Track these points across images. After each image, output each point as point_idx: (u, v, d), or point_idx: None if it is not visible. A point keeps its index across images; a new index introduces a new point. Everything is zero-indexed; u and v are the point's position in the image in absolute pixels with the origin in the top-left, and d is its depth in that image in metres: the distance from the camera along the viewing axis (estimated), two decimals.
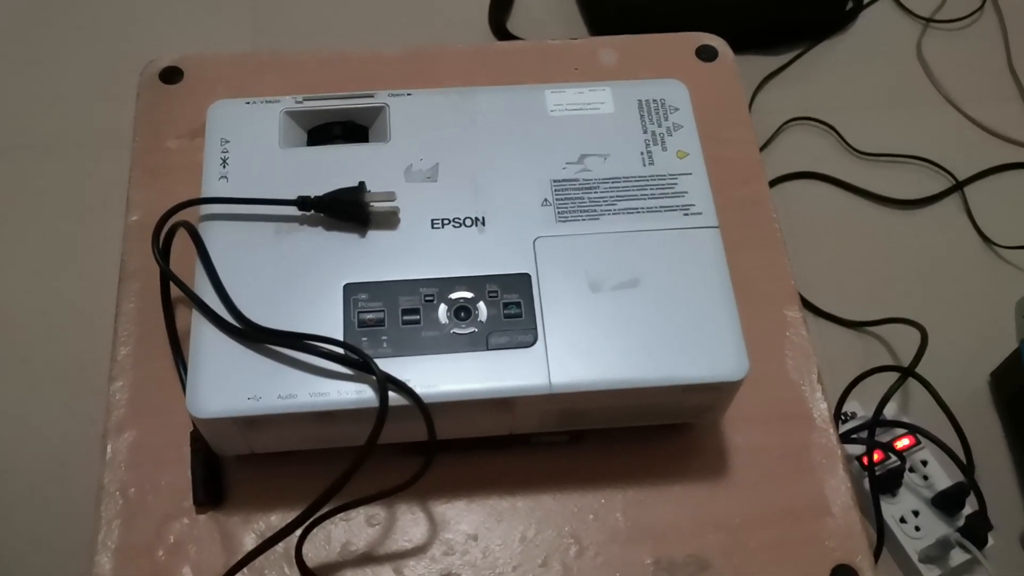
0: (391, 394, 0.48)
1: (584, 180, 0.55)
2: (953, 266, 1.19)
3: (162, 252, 0.54)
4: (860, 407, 1.03)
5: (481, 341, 0.50)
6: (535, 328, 0.51)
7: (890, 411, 1.01)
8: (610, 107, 0.58)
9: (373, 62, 0.69)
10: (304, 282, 0.51)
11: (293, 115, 0.58)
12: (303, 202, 0.53)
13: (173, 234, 0.54)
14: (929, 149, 1.27)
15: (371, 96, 0.58)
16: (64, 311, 0.95)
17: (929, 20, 1.39)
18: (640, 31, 1.09)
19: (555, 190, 0.55)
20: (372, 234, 0.53)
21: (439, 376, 0.49)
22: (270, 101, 0.58)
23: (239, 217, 0.53)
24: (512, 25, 1.28)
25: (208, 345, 0.50)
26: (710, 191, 0.56)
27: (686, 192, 0.55)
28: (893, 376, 1.02)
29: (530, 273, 0.52)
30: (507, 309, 0.51)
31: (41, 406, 0.90)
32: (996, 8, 1.40)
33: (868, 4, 1.40)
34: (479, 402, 0.49)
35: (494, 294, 0.52)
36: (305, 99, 0.58)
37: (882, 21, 1.39)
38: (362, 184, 0.53)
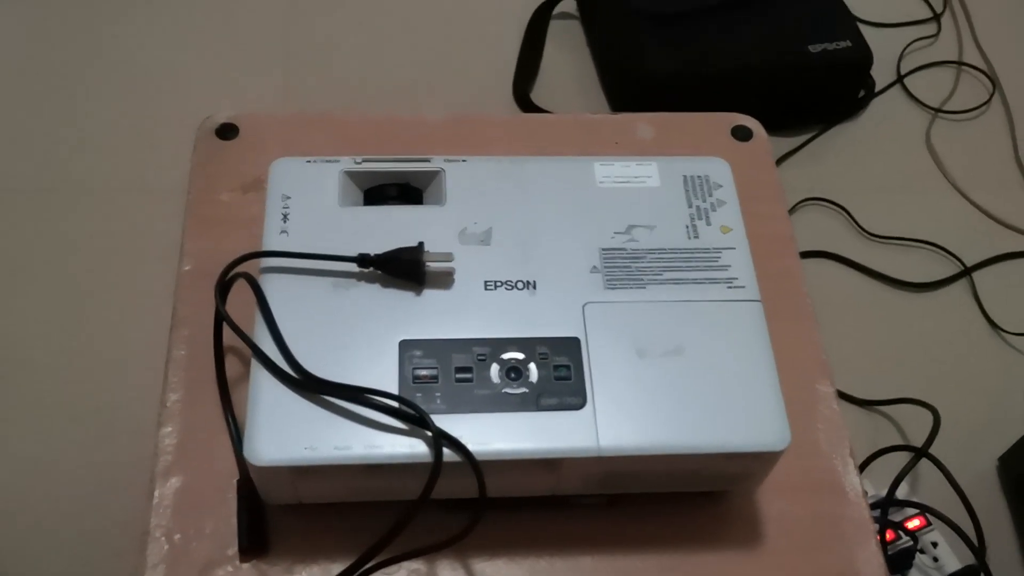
0: (444, 450, 0.49)
1: (632, 250, 0.57)
2: (962, 349, 1.21)
3: (222, 296, 0.55)
4: (871, 486, 1.04)
5: (532, 402, 0.52)
6: (584, 391, 0.52)
7: (901, 491, 1.02)
8: (656, 181, 0.61)
9: (418, 126, 0.72)
10: (360, 337, 0.53)
11: (352, 175, 0.60)
12: (363, 259, 0.55)
13: (230, 285, 0.56)
14: (938, 234, 1.30)
15: (427, 160, 0.60)
16: (87, 354, 0.96)
17: (938, 110, 1.43)
18: (661, 107, 1.12)
19: (604, 258, 0.57)
20: (427, 293, 0.55)
21: (490, 434, 0.50)
22: (330, 161, 0.60)
23: (298, 271, 0.55)
24: (536, 95, 1.32)
25: (266, 394, 0.51)
26: (752, 266, 0.58)
27: (729, 266, 0.57)
28: (902, 455, 1.03)
29: (579, 337, 0.54)
30: (557, 371, 0.53)
31: (62, 448, 0.91)
32: (1003, 101, 1.45)
33: (880, 92, 1.44)
34: (528, 462, 0.51)
35: (544, 356, 0.53)
36: (364, 160, 0.60)
37: (893, 109, 1.43)
38: (421, 244, 0.55)
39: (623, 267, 0.57)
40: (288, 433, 0.50)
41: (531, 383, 0.52)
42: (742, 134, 0.73)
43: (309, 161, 0.60)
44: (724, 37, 1.30)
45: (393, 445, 0.50)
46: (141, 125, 1.00)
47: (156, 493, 0.55)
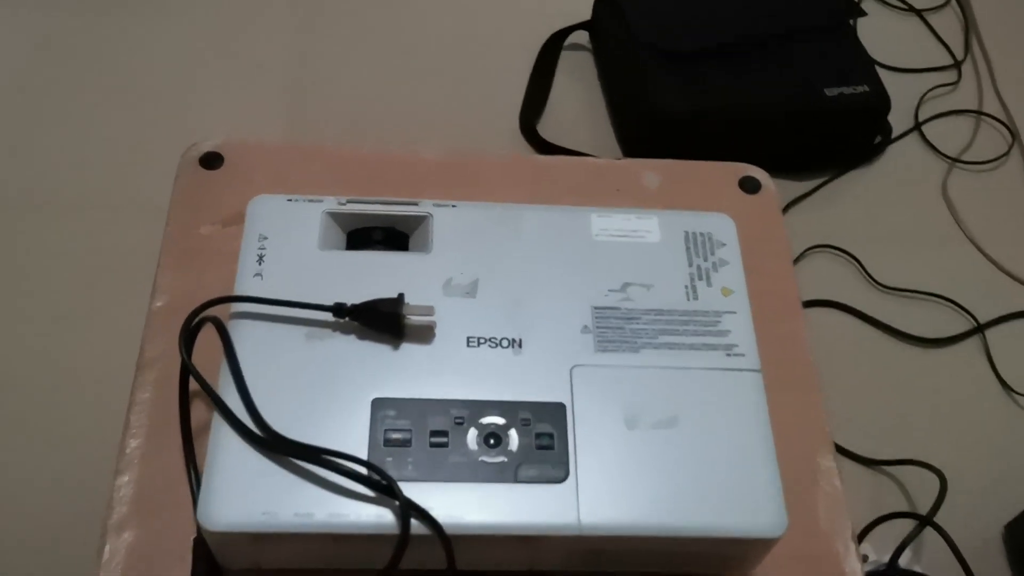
0: (412, 521, 0.46)
1: (626, 310, 0.54)
2: (971, 409, 1.17)
3: (186, 346, 0.52)
4: (873, 551, 1.00)
5: (510, 472, 0.48)
6: (567, 462, 0.49)
7: (903, 558, 0.98)
8: (656, 236, 0.57)
9: (413, 164, 0.69)
10: (332, 393, 0.50)
11: (335, 216, 0.56)
12: (338, 309, 0.51)
13: (200, 328, 0.53)
14: (951, 288, 1.26)
15: (415, 204, 0.57)
16: (64, 376, 0.93)
17: (956, 160, 1.40)
18: (671, 147, 1.08)
19: (596, 317, 0.54)
20: (406, 347, 0.52)
21: (464, 506, 0.47)
22: (313, 200, 0.57)
23: (271, 318, 0.52)
24: (543, 128, 1.29)
25: (226, 452, 0.47)
26: (753, 332, 0.54)
27: (729, 331, 0.54)
28: (906, 520, 0.99)
29: (565, 403, 0.50)
30: (539, 440, 0.49)
31: (34, 473, 0.87)
32: (1023, 153, 1.41)
33: (896, 139, 1.41)
34: (504, 537, 0.47)
35: (527, 422, 0.50)
36: (349, 201, 0.57)
37: (909, 157, 1.40)
38: (401, 296, 0.52)
39: (616, 328, 0.53)
40: (247, 496, 0.46)
41: (511, 451, 0.49)
42: (750, 186, 0.70)
43: (290, 200, 0.57)
44: (738, 78, 1.27)
45: (358, 514, 0.46)
46: (136, 144, 0.98)
47: (107, 548, 0.52)
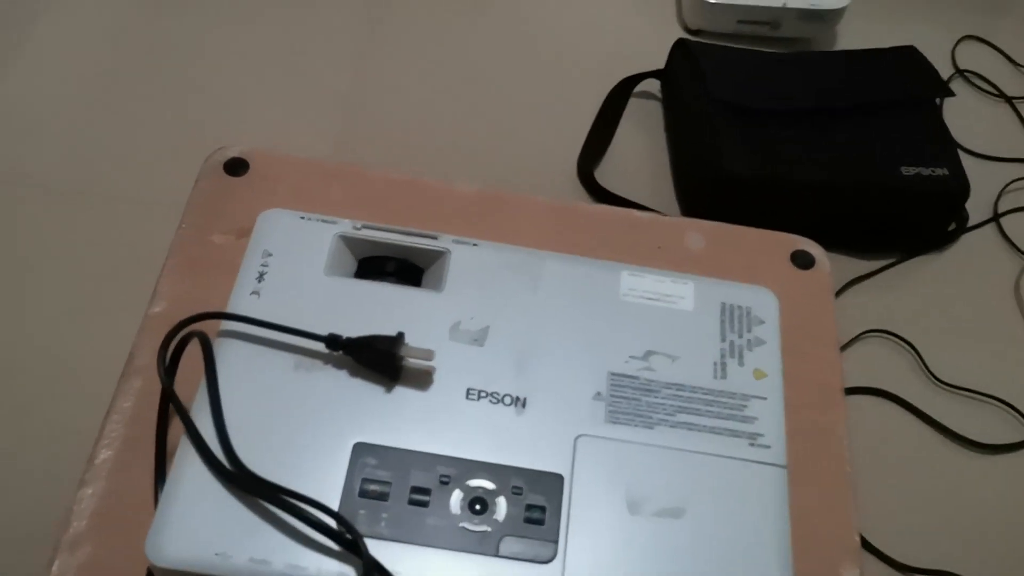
0: None
1: (646, 380, 0.49)
2: (1019, 524, 1.09)
3: (171, 358, 0.49)
4: None
5: (491, 544, 0.43)
6: (556, 541, 0.44)
7: None
8: (690, 304, 0.53)
9: (445, 196, 0.65)
10: (312, 430, 0.46)
11: (347, 240, 0.53)
12: (332, 340, 0.48)
13: (186, 342, 0.49)
14: (1013, 394, 1.18)
15: (434, 238, 0.53)
16: (65, 371, 0.90)
17: None
18: (731, 209, 1.03)
19: (611, 384, 0.49)
20: (400, 391, 0.47)
21: (434, 575, 0.42)
22: (327, 221, 0.53)
23: (260, 340, 0.48)
24: (601, 174, 1.25)
25: (187, 480, 0.44)
26: (783, 423, 0.49)
27: (756, 418, 0.49)
28: None
29: (563, 474, 0.46)
30: (529, 512, 0.45)
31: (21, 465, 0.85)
32: None
33: (972, 228, 1.34)
34: None
35: (518, 491, 0.45)
36: (364, 226, 0.53)
37: (983, 249, 1.33)
38: (400, 335, 0.48)
39: (631, 399, 0.49)
40: (201, 532, 0.42)
41: (496, 521, 0.44)
42: (802, 260, 0.65)
43: (303, 217, 0.53)
44: (810, 144, 1.21)
45: (319, 568, 0.42)
46: (180, 145, 0.97)
47: (56, 565, 0.48)
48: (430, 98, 1.03)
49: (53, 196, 0.94)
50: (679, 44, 1.08)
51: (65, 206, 0.95)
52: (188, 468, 0.44)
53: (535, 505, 0.45)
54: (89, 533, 0.49)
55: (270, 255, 0.51)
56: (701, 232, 0.65)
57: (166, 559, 0.42)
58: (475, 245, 0.53)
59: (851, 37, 1.13)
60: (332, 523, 0.42)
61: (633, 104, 1.27)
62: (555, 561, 0.43)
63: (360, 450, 0.45)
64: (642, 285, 0.53)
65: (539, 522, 0.44)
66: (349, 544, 0.42)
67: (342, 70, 1.03)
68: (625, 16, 1.07)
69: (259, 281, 0.50)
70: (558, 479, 0.45)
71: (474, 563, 0.43)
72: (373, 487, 0.44)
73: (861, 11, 1.09)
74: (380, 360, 0.47)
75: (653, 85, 1.36)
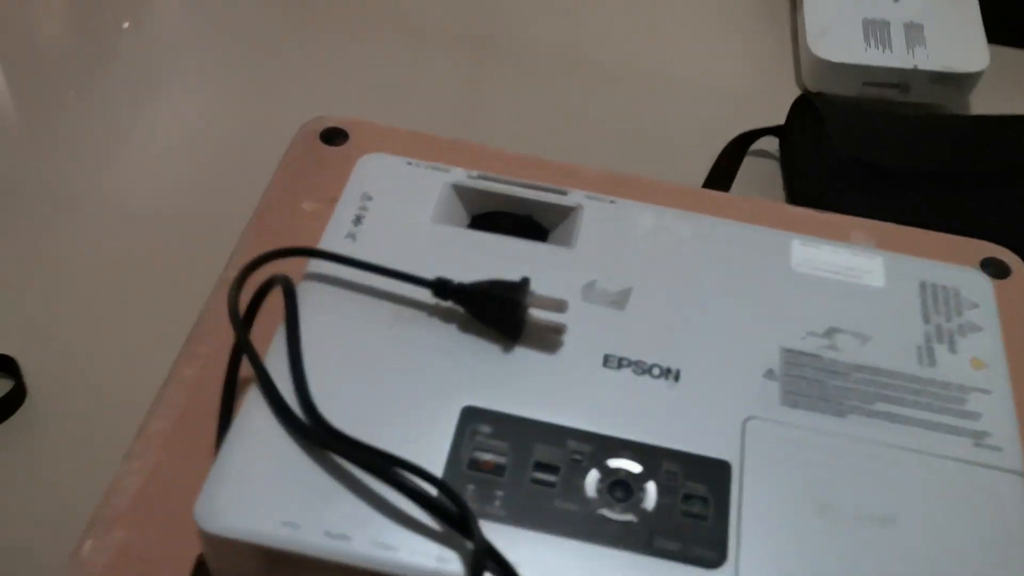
0: (487, 575, 0.31)
1: (830, 360, 0.39)
2: None
3: (248, 310, 0.40)
4: None
5: (640, 537, 0.33)
6: (724, 543, 0.33)
7: None
8: (880, 280, 0.43)
9: (568, 175, 0.57)
10: (412, 390, 0.36)
11: (460, 190, 0.45)
12: (441, 286, 0.39)
13: (267, 291, 0.41)
14: None
15: (564, 193, 0.45)
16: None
17: None
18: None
19: (786, 362, 0.39)
20: (520, 351, 0.38)
21: (565, 571, 0.32)
22: (437, 168, 0.45)
23: (353, 286, 0.40)
24: None
25: (254, 434, 0.34)
26: (1016, 423, 0.38)
27: (980, 414, 0.38)
28: None
29: (731, 462, 0.35)
30: (687, 504, 0.34)
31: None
32: None
33: None
34: None
35: (672, 476, 0.35)
36: (481, 176, 0.45)
37: None
38: (526, 281, 0.38)
39: (814, 380, 0.38)
40: (267, 495, 0.33)
41: (644, 510, 0.34)
42: (995, 270, 0.54)
43: (410, 163, 0.45)
44: (941, 209, 1.10)
45: (413, 550, 0.32)
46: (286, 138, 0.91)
47: (86, 546, 0.39)
48: (540, 140, 0.97)
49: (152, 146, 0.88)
50: (801, 99, 1.00)
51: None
52: (256, 420, 0.35)
53: (694, 496, 0.34)
54: (130, 514, 0.40)
55: (370, 198, 0.43)
56: (867, 231, 0.55)
57: (219, 525, 0.32)
58: (613, 202, 0.44)
59: (985, 108, 1.04)
60: (434, 493, 0.32)
61: (749, 163, 1.17)
62: (726, 565, 0.32)
63: (470, 415, 0.35)
64: (819, 256, 0.43)
65: (701, 517, 0.34)
66: (455, 521, 0.32)
67: (453, 94, 0.97)
68: (740, 78, 1.00)
69: (356, 224, 0.42)
70: (723, 467, 0.35)
71: (617, 560, 0.32)
72: (486, 458, 0.34)
73: (994, 79, 1.00)
74: (498, 311, 0.38)
75: (771, 144, 1.26)
